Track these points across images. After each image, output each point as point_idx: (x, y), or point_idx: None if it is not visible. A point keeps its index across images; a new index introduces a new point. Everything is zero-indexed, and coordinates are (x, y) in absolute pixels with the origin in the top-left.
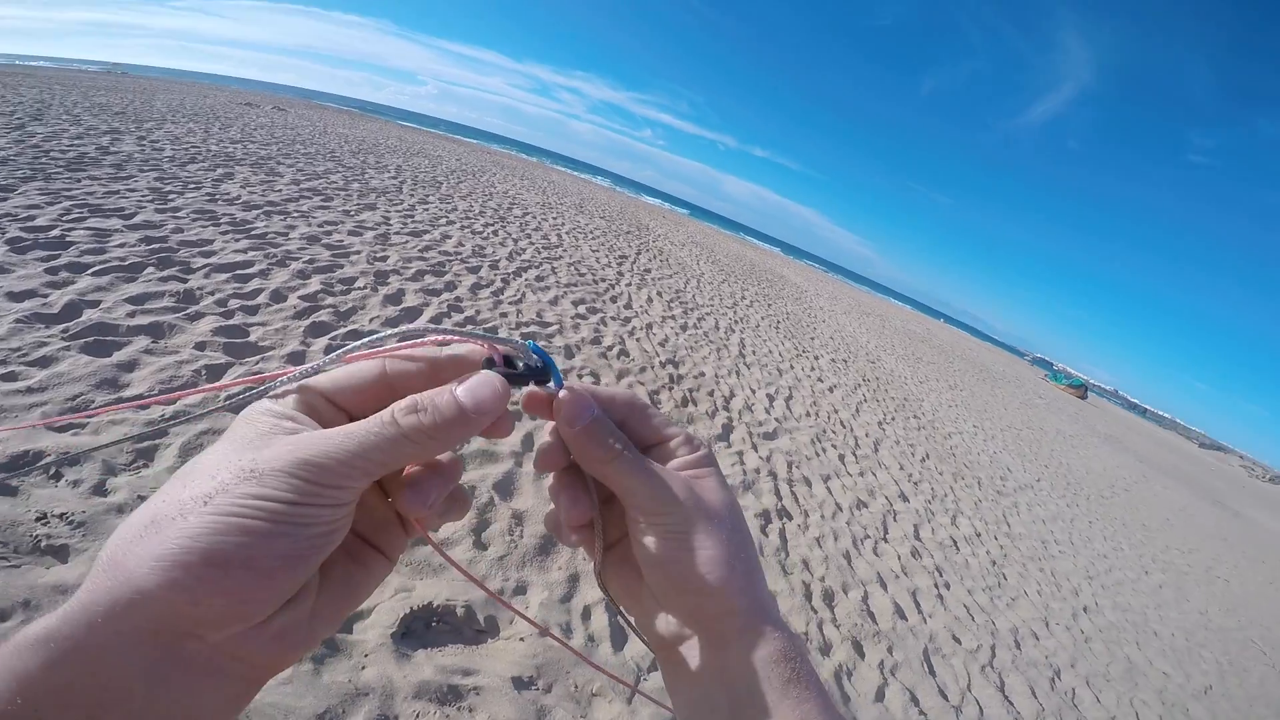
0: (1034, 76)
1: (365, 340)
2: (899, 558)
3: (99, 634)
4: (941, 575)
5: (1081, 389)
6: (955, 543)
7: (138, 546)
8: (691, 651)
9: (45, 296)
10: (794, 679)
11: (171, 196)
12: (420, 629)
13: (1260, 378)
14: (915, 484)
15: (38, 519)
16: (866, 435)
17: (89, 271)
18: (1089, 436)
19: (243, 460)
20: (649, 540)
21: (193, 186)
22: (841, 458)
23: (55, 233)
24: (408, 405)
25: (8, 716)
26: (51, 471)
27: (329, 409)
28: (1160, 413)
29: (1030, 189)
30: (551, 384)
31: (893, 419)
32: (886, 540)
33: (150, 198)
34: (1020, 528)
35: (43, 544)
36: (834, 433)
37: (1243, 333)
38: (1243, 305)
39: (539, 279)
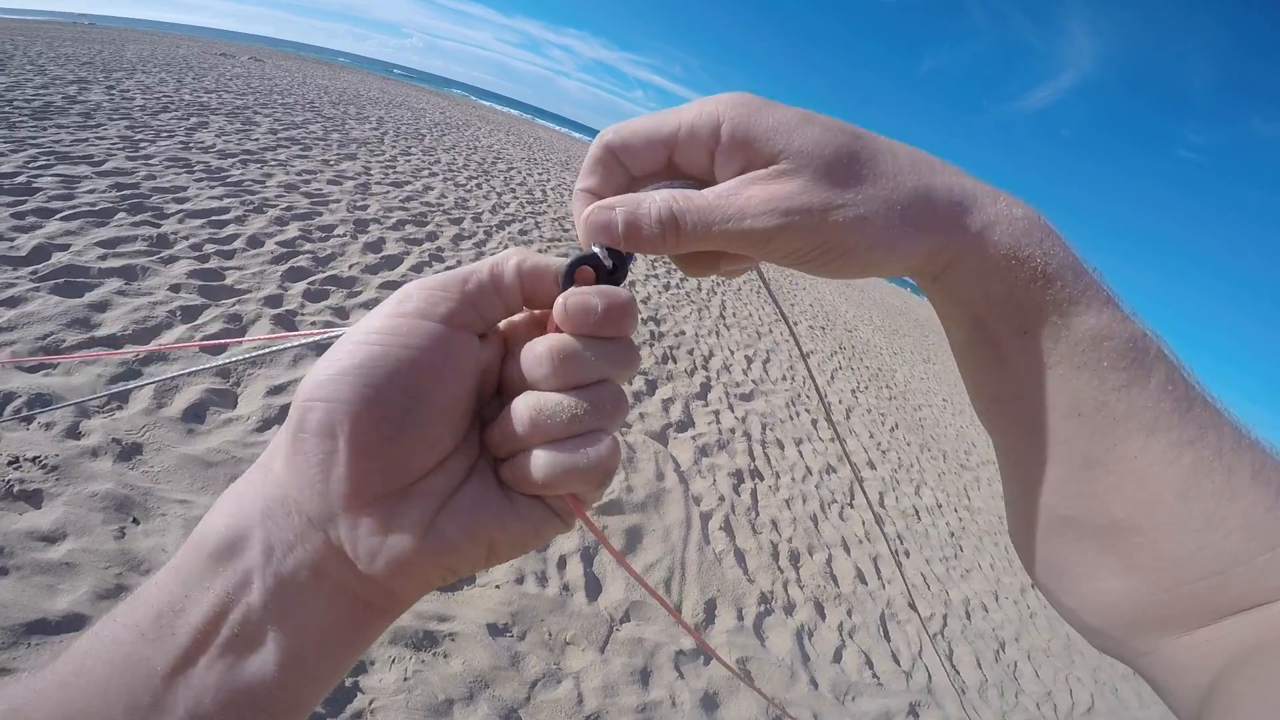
0: (1035, 62)
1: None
2: (863, 523)
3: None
4: (902, 543)
5: None
6: (917, 512)
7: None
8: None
9: (12, 240)
10: (1038, 279)
11: (143, 144)
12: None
13: (1233, 372)
14: (883, 452)
15: (9, 463)
16: (839, 402)
17: (57, 216)
18: None
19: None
20: (803, 266)
21: (165, 135)
22: (814, 423)
23: (21, 179)
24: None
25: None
26: (22, 414)
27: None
28: None
29: (1021, 173)
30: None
31: (866, 388)
32: (852, 506)
33: (121, 145)
34: (980, 502)
35: (15, 489)
36: (809, 397)
37: (1218, 328)
38: (1220, 300)
39: (522, 233)
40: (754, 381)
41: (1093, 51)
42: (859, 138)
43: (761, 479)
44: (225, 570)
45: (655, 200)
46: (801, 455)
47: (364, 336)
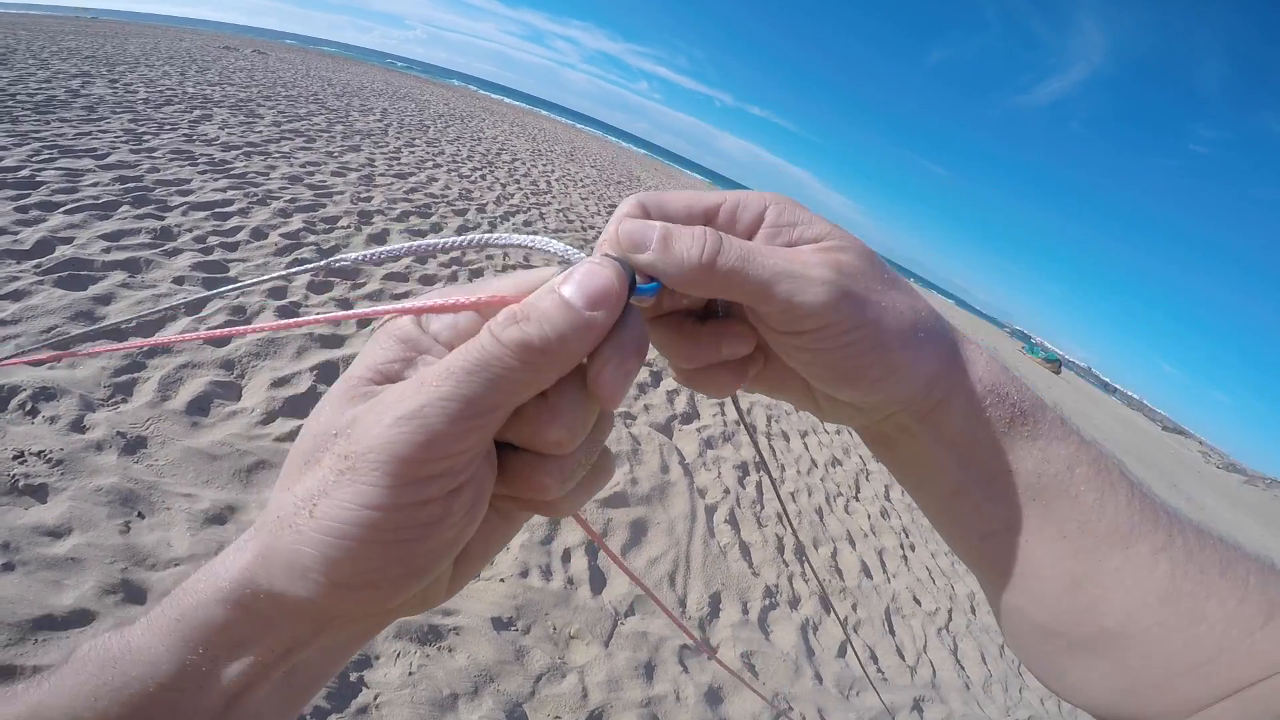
0: (1045, 56)
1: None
2: (869, 517)
3: (262, 603)
4: (908, 536)
5: (1056, 364)
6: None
7: (277, 542)
8: (890, 427)
9: (16, 234)
10: (1015, 416)
11: (146, 137)
12: None
13: (1228, 366)
14: None
15: (14, 457)
16: None
17: (61, 210)
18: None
19: (341, 429)
20: (805, 348)
21: (169, 128)
22: None
23: (24, 173)
24: (505, 317)
25: (189, 666)
26: (28, 407)
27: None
28: (1129, 392)
29: (1029, 167)
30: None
31: None
32: (858, 499)
33: (124, 139)
34: None
35: (20, 484)
36: None
37: (1217, 321)
38: (1222, 294)
39: (526, 224)
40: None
41: (1104, 45)
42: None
43: (767, 472)
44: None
45: (699, 227)
46: (807, 448)
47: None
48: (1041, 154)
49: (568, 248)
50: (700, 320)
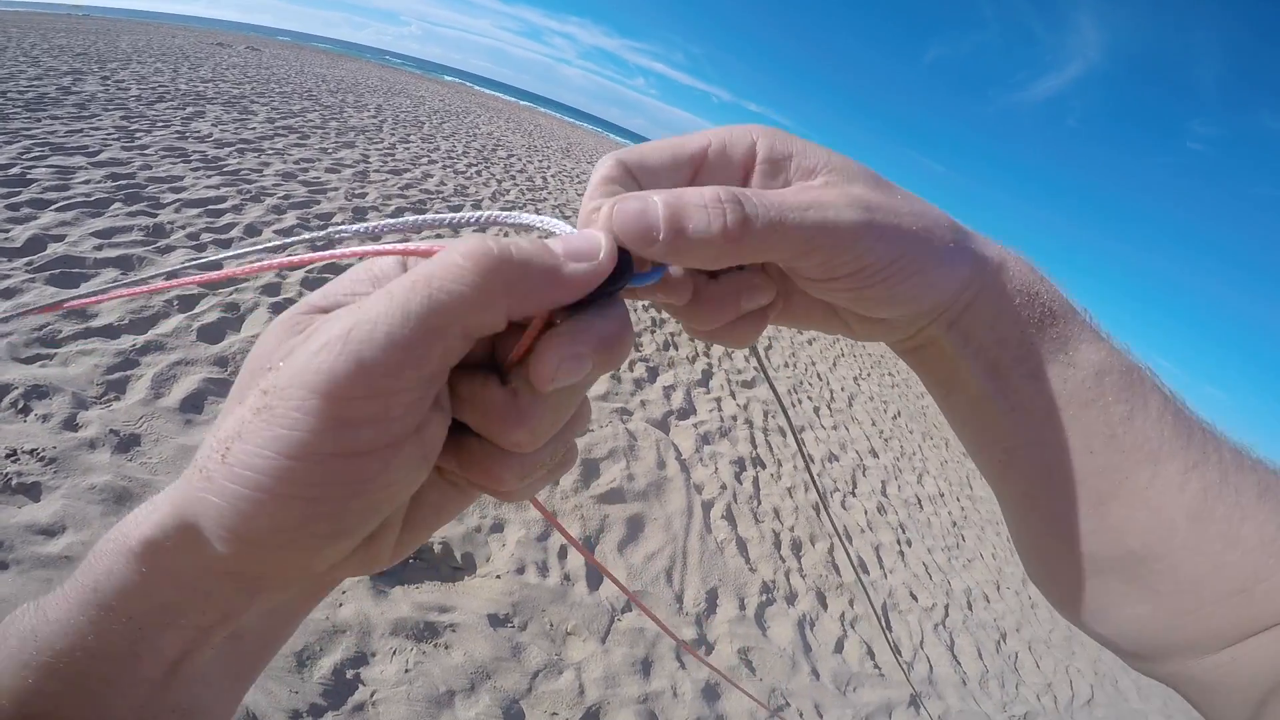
0: (1042, 53)
1: (360, 228)
2: (865, 512)
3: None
4: (904, 532)
5: None
6: (920, 501)
7: (191, 491)
8: (922, 338)
9: (7, 231)
10: (1044, 316)
11: (139, 135)
12: (397, 566)
13: (1225, 362)
14: (885, 440)
15: (7, 455)
16: (842, 389)
17: (52, 207)
18: None
19: (274, 361)
20: (843, 285)
21: (161, 125)
22: (816, 410)
23: (15, 170)
24: (506, 245)
25: (116, 634)
26: (20, 405)
27: None
28: None
29: (1025, 163)
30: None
31: (868, 375)
32: (855, 494)
33: (116, 136)
34: (982, 490)
35: (13, 482)
36: (810, 385)
37: (1213, 317)
38: (1218, 290)
39: None
40: (755, 368)
41: (1100, 42)
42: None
43: (764, 467)
44: None
45: (710, 189)
46: (803, 443)
47: None
48: (1038, 151)
49: (571, 228)
50: (712, 276)
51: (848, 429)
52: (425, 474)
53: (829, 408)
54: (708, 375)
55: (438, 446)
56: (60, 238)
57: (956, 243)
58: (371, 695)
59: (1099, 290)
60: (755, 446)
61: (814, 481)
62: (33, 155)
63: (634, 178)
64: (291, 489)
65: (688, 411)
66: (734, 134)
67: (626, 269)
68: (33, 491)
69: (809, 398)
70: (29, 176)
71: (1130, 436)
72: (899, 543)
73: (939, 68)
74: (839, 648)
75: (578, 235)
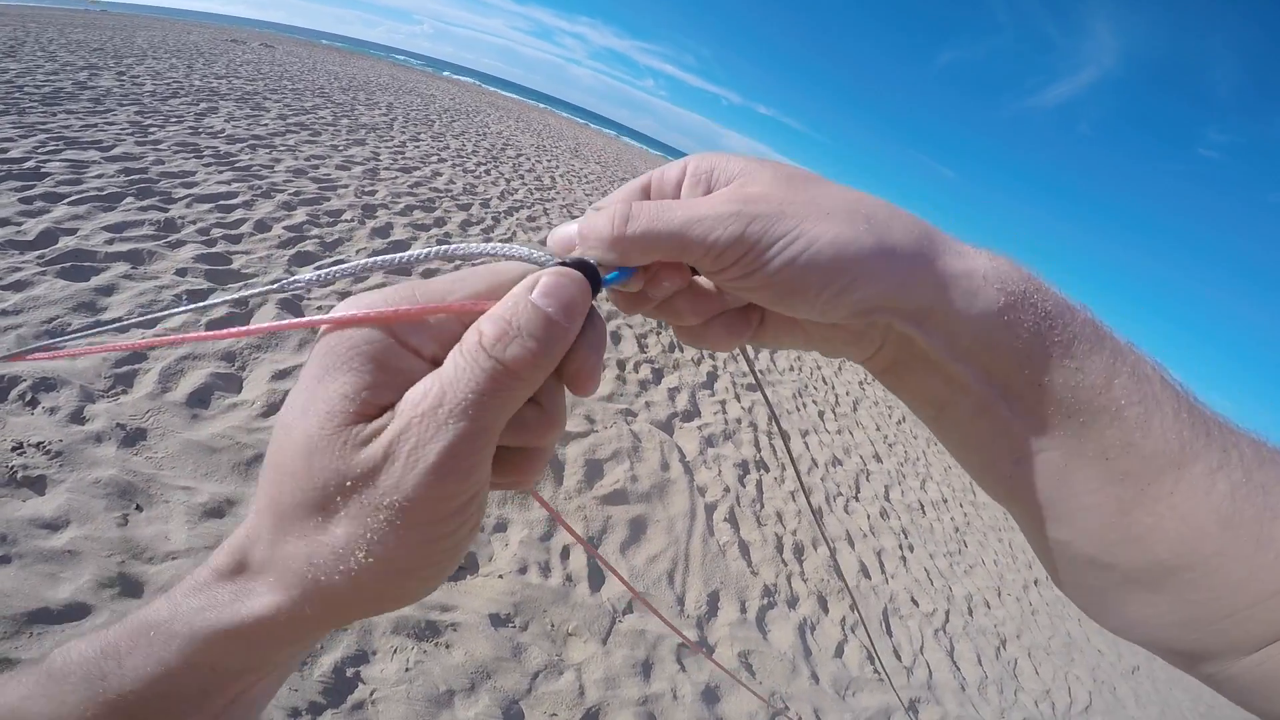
0: (1056, 58)
1: (356, 265)
2: (868, 517)
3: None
4: (906, 537)
5: None
6: (922, 506)
7: (323, 588)
8: (899, 351)
9: (19, 225)
10: (1040, 320)
11: (152, 130)
12: None
13: (1236, 375)
14: (889, 445)
15: (14, 448)
16: (846, 394)
17: (65, 201)
18: None
19: (355, 477)
20: (752, 282)
21: (174, 120)
22: (821, 414)
23: (30, 164)
24: (497, 333)
25: (195, 684)
26: (28, 398)
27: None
28: None
29: (1037, 170)
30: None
31: (873, 380)
32: (858, 499)
33: (130, 131)
34: (984, 497)
35: (19, 475)
36: (815, 388)
37: (1226, 328)
38: (1231, 301)
39: (530, 219)
40: (761, 371)
41: (1115, 48)
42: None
43: (767, 470)
44: None
45: (611, 203)
46: (808, 447)
47: None
48: (1050, 157)
49: (531, 250)
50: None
51: (852, 433)
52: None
53: (833, 412)
54: (712, 378)
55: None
56: (72, 231)
57: (874, 224)
58: (371, 694)
59: (1110, 299)
60: (759, 450)
61: (800, 480)
62: (47, 149)
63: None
64: (423, 565)
65: (692, 414)
66: (671, 165)
67: (596, 281)
68: (38, 485)
69: (814, 401)
70: (43, 170)
71: (1148, 441)
72: (901, 548)
73: (951, 72)
74: (839, 652)
75: (559, 288)
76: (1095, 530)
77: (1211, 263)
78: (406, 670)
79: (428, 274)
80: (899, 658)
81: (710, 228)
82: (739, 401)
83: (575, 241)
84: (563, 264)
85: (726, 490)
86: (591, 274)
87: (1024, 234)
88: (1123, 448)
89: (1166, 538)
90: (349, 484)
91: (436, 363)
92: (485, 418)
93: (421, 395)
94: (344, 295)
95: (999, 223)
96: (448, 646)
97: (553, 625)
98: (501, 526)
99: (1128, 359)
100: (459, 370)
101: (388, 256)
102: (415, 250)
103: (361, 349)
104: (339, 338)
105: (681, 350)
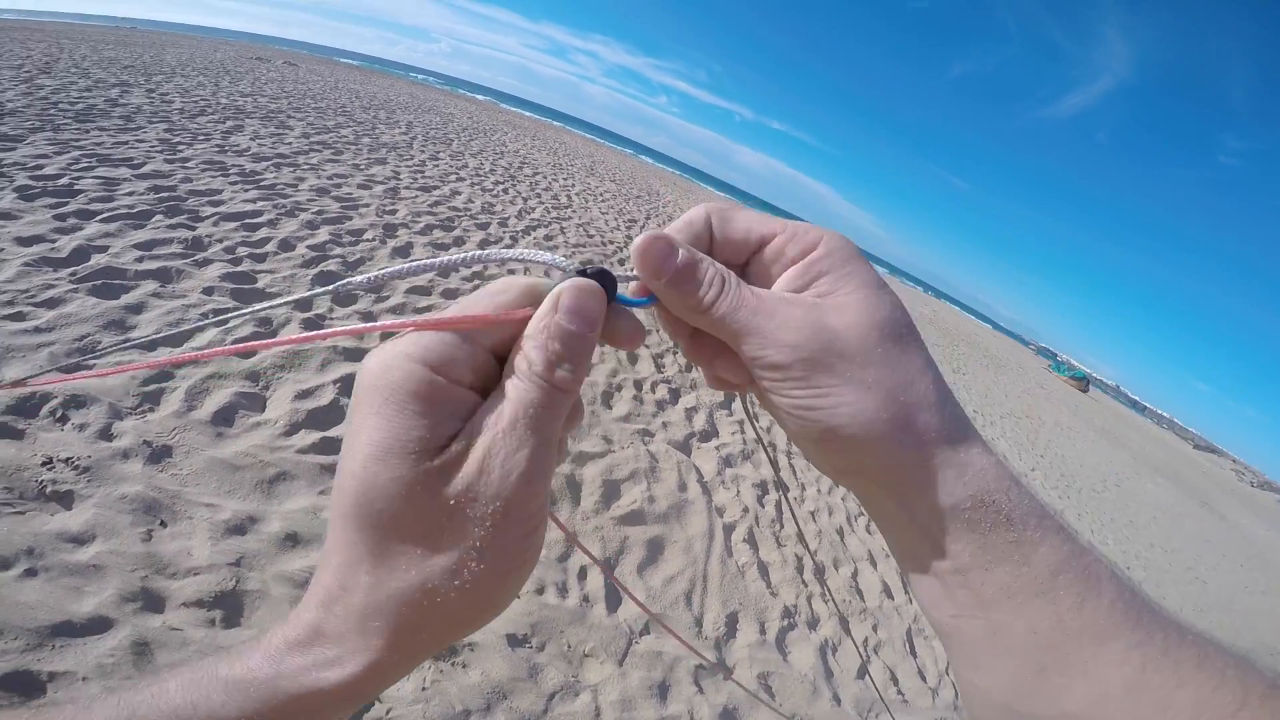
0: (1069, 68)
1: (405, 267)
2: None
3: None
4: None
5: (1084, 381)
6: None
7: (441, 607)
8: (868, 492)
9: (53, 241)
10: (999, 523)
11: (181, 147)
12: None
13: (1259, 381)
14: None
15: (43, 463)
16: None
17: (97, 218)
18: (1086, 430)
19: (448, 508)
20: (771, 397)
21: (202, 138)
22: None
23: (63, 181)
24: (543, 361)
25: None
26: (59, 414)
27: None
28: (1159, 410)
29: (1052, 180)
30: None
31: None
32: None
33: (159, 148)
34: None
35: (48, 490)
36: None
37: (1248, 336)
38: (1252, 310)
39: (547, 238)
40: None
41: (1128, 56)
42: (909, 322)
43: (787, 490)
44: None
45: (719, 266)
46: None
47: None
48: (1065, 167)
49: (554, 257)
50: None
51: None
52: None
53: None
54: (730, 397)
55: None
56: (104, 249)
57: (915, 420)
58: (387, 712)
59: (1130, 310)
60: (778, 470)
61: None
62: (80, 166)
63: (713, 230)
64: (534, 555)
65: (710, 434)
66: (803, 234)
67: (612, 289)
68: (65, 500)
69: None
70: (76, 187)
71: (1077, 622)
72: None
73: (964, 83)
74: (861, 674)
75: (581, 307)
76: (1013, 684)
77: (1237, 273)
78: (423, 689)
79: (437, 281)
80: (924, 679)
81: (764, 346)
82: (758, 421)
83: (670, 264)
84: (582, 273)
85: (745, 511)
86: (609, 284)
87: (1039, 245)
88: (1053, 625)
89: (1075, 696)
90: (452, 503)
91: (475, 388)
92: (550, 427)
93: (497, 416)
94: (366, 315)
95: (1014, 234)
96: (464, 666)
97: (569, 646)
98: None
99: (1081, 559)
100: (521, 392)
101: (433, 260)
102: (454, 254)
103: (412, 389)
104: (379, 378)
105: (699, 370)
